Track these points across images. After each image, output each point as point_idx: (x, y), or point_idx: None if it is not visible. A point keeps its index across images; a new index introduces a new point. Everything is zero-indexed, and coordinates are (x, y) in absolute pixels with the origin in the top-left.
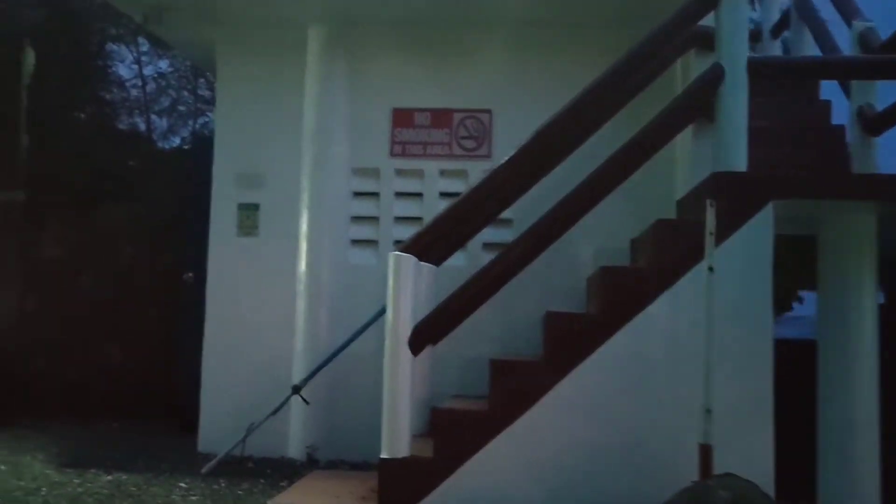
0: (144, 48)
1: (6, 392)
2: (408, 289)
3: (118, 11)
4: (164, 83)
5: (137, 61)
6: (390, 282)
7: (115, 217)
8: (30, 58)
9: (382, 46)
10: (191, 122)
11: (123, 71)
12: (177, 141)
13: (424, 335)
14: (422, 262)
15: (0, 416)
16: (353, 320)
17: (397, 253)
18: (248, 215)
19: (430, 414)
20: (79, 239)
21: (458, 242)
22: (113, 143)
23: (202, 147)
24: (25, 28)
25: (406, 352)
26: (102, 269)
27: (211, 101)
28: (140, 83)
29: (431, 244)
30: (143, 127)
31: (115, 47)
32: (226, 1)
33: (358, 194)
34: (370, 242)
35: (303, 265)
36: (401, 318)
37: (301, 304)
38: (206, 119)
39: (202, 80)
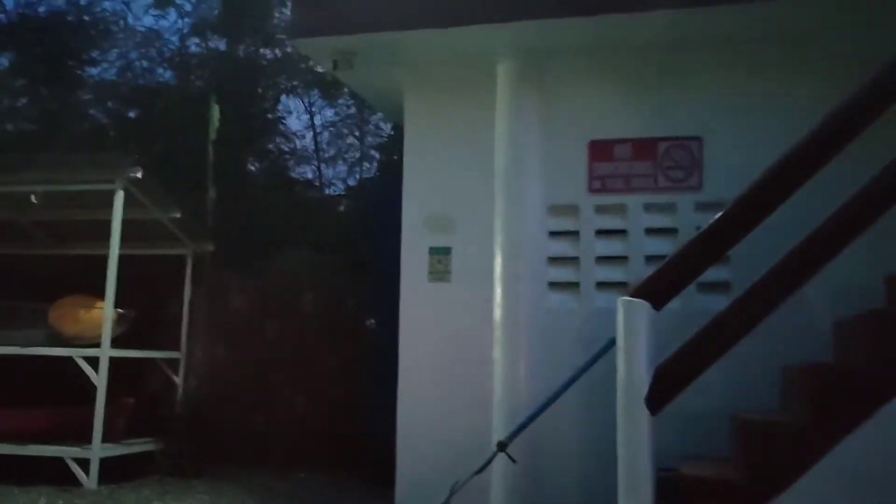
0: (313, 98)
1: (200, 441)
2: (642, 339)
3: (292, 65)
4: (333, 131)
5: (309, 111)
6: (621, 331)
7: (296, 265)
8: (215, 113)
9: (577, 76)
10: (360, 169)
11: (294, 122)
12: (349, 187)
13: (665, 391)
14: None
15: (196, 466)
16: (555, 368)
17: (629, 298)
18: (440, 259)
19: (658, 477)
20: (262, 288)
21: (682, 284)
22: (289, 192)
23: (378, 192)
24: (210, 84)
25: (644, 411)
26: (285, 317)
27: (378, 148)
28: (312, 133)
29: (664, 288)
30: (315, 175)
31: (287, 99)
32: (414, 41)
33: (555, 234)
34: (570, 285)
35: (498, 311)
36: (636, 374)
37: (498, 352)
38: (374, 165)
39: (370, 127)
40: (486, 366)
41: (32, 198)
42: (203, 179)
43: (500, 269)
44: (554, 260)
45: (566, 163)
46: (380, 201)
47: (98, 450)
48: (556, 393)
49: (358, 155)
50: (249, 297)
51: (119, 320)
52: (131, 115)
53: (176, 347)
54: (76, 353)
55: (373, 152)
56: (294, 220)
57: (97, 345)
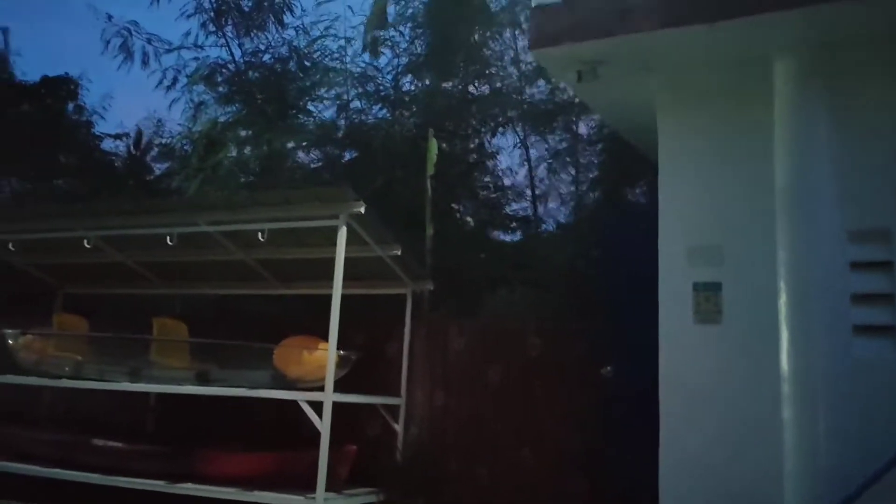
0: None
1: (422, 493)
2: None
3: (504, 99)
4: (551, 164)
5: (524, 146)
6: None
7: (517, 306)
8: (434, 147)
9: (882, 69)
10: (577, 203)
11: (508, 158)
12: (569, 222)
13: None
14: None
15: None
16: (868, 435)
17: None
18: (708, 297)
19: None
20: (482, 330)
21: None
22: (504, 229)
23: (604, 225)
24: (424, 120)
25: None
26: (509, 361)
27: (598, 181)
28: (527, 167)
29: None
30: (531, 211)
31: (501, 134)
32: (673, 41)
33: (860, 265)
34: (884, 329)
35: (787, 360)
36: None
37: (788, 412)
38: (594, 197)
39: (588, 159)
40: (773, 428)
41: (260, 235)
42: (419, 216)
43: (786, 309)
44: (860, 298)
45: (872, 176)
46: (606, 236)
47: (322, 500)
48: (883, 468)
49: (575, 188)
50: (469, 339)
51: (341, 363)
52: (348, 154)
53: (395, 392)
54: (300, 397)
55: (593, 185)
56: (511, 257)
57: (319, 388)
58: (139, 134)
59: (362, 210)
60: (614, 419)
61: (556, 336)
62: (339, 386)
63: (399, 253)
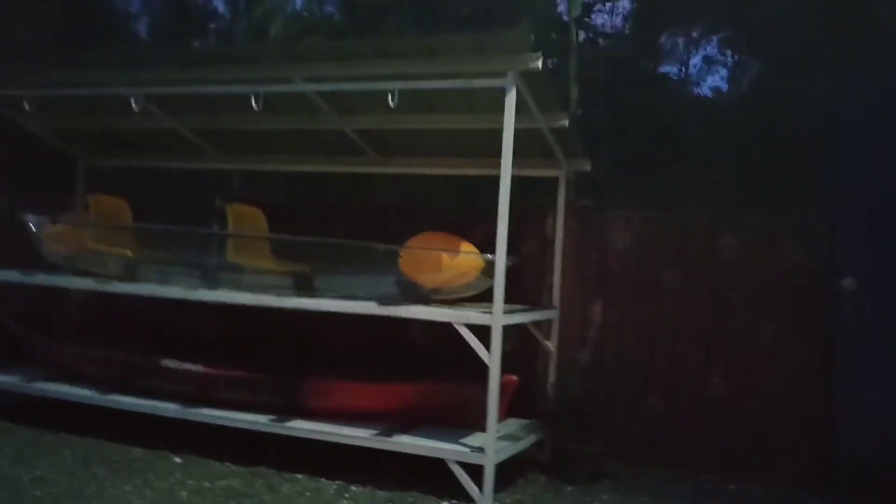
0: None
1: (589, 430)
2: None
3: None
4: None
5: None
6: None
7: (693, 191)
8: None
9: None
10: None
11: None
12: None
13: None
14: None
15: (593, 465)
16: None
17: None
18: None
19: None
20: (652, 223)
21: None
22: (662, 92)
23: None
24: None
25: None
26: (691, 265)
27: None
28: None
29: None
30: (693, 71)
31: None
32: None
33: None
34: None
35: None
36: None
37: None
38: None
39: None
40: None
41: (390, 99)
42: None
43: None
44: None
45: None
46: (826, 103)
47: (493, 452)
48: None
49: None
50: (638, 236)
51: (490, 271)
52: None
53: (542, 303)
54: (459, 319)
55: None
56: (670, 129)
57: (457, 300)
58: None
59: (539, 65)
60: (853, 351)
61: (761, 233)
62: (477, 298)
63: (566, 124)
